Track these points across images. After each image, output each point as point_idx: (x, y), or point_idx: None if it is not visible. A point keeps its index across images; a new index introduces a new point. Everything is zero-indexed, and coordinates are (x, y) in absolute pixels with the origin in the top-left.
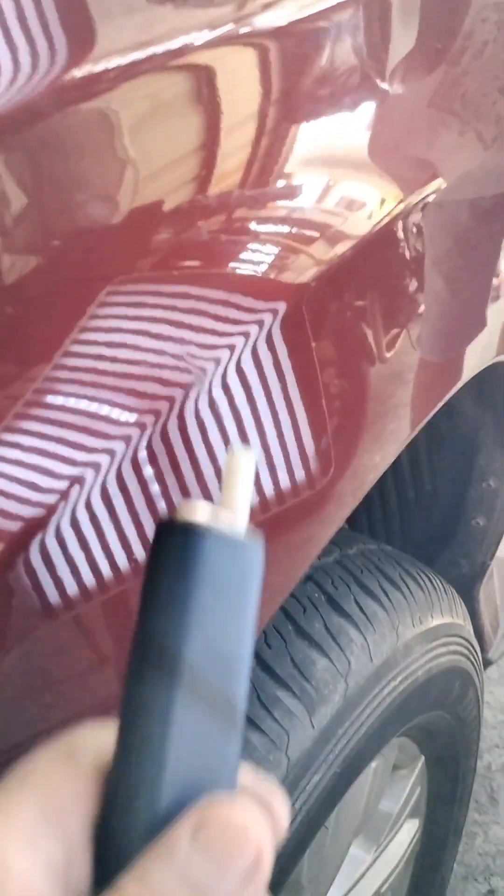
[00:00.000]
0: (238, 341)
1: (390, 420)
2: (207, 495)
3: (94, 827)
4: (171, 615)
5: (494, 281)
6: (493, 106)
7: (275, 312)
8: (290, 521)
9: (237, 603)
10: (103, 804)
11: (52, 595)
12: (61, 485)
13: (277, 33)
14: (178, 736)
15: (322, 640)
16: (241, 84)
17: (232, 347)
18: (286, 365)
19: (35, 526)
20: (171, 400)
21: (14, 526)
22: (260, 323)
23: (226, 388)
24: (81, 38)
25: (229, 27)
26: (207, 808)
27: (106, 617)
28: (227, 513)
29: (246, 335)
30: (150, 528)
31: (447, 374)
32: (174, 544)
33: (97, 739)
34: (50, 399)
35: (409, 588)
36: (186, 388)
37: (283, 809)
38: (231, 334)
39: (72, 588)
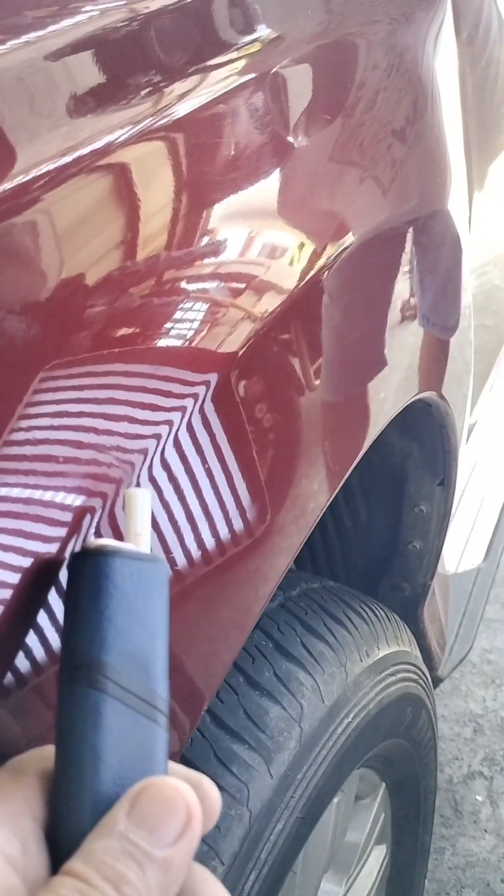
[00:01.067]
0: (175, 417)
1: (320, 464)
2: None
3: (46, 825)
4: (89, 628)
5: (396, 322)
6: (388, 150)
7: (207, 384)
8: (240, 559)
9: (147, 612)
10: (51, 804)
11: None
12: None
13: (191, 118)
14: (108, 735)
15: (273, 687)
16: (163, 169)
17: (170, 423)
18: (218, 432)
19: None
20: (103, 496)
21: None
22: (194, 397)
23: (164, 464)
24: (9, 154)
25: (148, 121)
26: (140, 787)
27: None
28: (131, 540)
29: (182, 410)
30: None
31: (368, 416)
32: (86, 566)
33: (39, 755)
34: None
35: (353, 623)
36: (118, 481)
37: (212, 789)
38: (168, 410)
39: None
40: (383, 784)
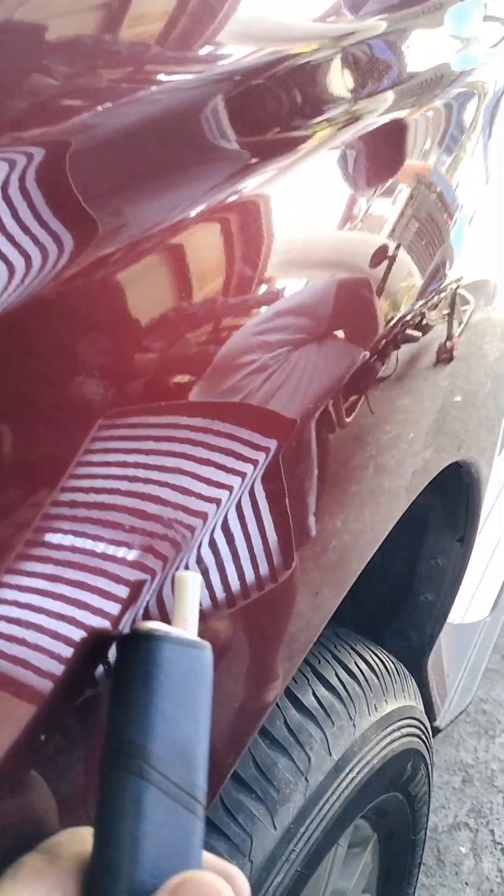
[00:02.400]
0: (236, 482)
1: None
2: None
3: None
4: (136, 715)
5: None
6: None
7: (268, 451)
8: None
9: (193, 700)
10: (87, 890)
11: None
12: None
13: (259, 197)
14: (149, 824)
15: (283, 738)
16: (228, 246)
17: (231, 489)
18: (263, 503)
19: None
20: (164, 559)
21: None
22: (255, 463)
23: (224, 531)
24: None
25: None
26: (180, 877)
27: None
28: (179, 624)
29: (243, 476)
30: None
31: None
32: (135, 650)
33: (75, 838)
34: (47, 543)
35: (364, 676)
36: (179, 547)
37: (242, 881)
38: (233, 474)
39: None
40: (375, 835)
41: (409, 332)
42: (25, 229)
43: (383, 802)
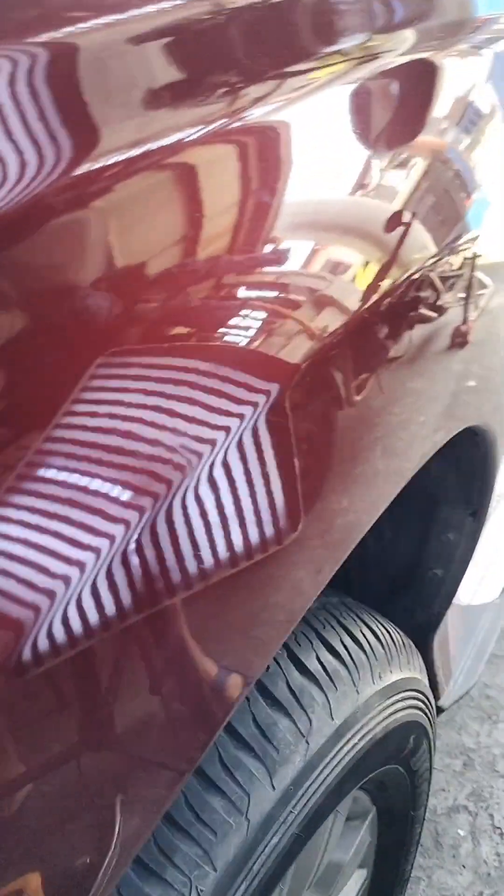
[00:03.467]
0: (233, 424)
1: (363, 488)
2: (188, 581)
3: None
4: None
5: (444, 347)
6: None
7: (269, 394)
8: (276, 570)
9: None
10: None
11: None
12: (51, 583)
13: (264, 124)
14: None
15: (285, 699)
16: (229, 173)
17: (227, 430)
18: (267, 445)
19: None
20: (155, 495)
21: None
22: (255, 405)
23: (211, 478)
24: (82, 141)
25: (221, 122)
26: None
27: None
28: None
29: (241, 417)
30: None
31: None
32: None
33: None
34: (40, 478)
35: (370, 644)
36: (172, 482)
37: None
38: (230, 415)
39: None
40: (374, 808)
41: (421, 310)
42: (28, 130)
43: (383, 774)
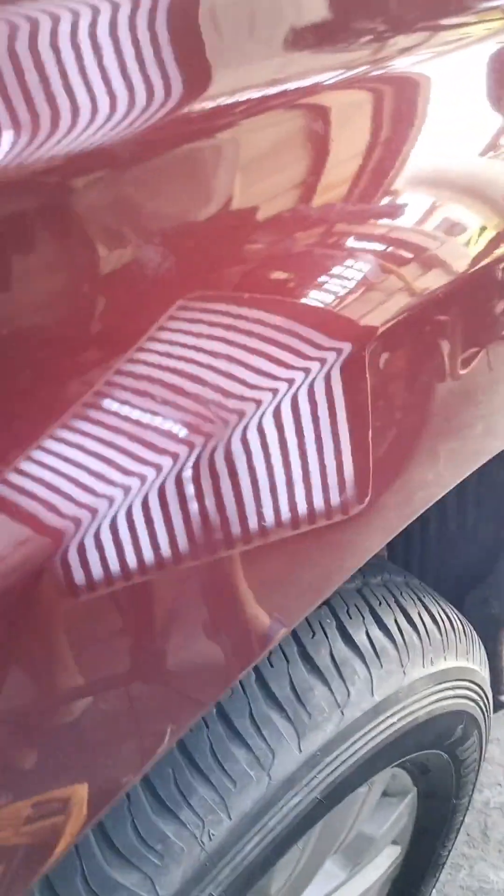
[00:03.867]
0: (297, 376)
1: (440, 459)
2: (243, 513)
3: None
4: None
5: None
6: None
7: (339, 352)
8: (335, 526)
9: None
10: None
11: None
12: (107, 490)
13: (407, 76)
14: None
15: (325, 667)
16: (364, 121)
17: (291, 381)
18: (340, 401)
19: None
20: (223, 423)
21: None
22: (322, 361)
23: (275, 419)
24: (219, 75)
25: (363, 69)
26: None
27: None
28: None
29: (306, 371)
30: (182, 541)
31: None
32: None
33: None
34: (108, 401)
35: (425, 628)
36: (238, 415)
37: None
38: (292, 368)
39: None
40: (415, 789)
41: None
42: (168, 57)
43: (425, 758)
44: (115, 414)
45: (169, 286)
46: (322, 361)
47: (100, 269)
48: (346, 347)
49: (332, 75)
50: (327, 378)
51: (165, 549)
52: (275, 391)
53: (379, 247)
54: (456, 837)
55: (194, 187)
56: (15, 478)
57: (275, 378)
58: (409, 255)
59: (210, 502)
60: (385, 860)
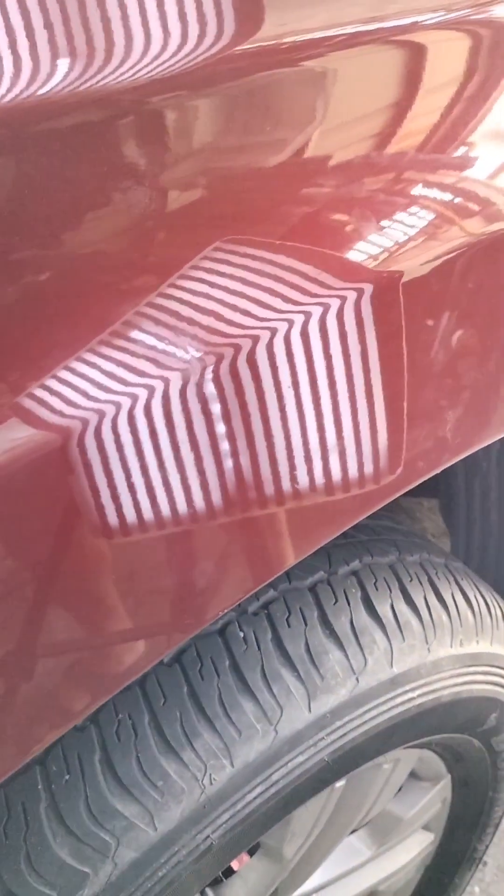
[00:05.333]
0: (314, 310)
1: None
2: (251, 435)
3: None
4: None
5: None
6: None
7: (361, 291)
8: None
9: None
10: None
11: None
12: (123, 389)
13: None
14: None
15: (343, 633)
16: (456, 65)
17: (307, 314)
18: (364, 336)
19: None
20: (236, 347)
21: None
22: (342, 298)
23: (284, 347)
24: (311, 8)
25: (464, 12)
26: None
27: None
28: None
29: (324, 306)
30: (189, 455)
31: None
32: None
33: None
34: (145, 311)
35: (457, 607)
36: (237, 347)
37: None
38: (303, 304)
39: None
40: (448, 776)
41: None
42: None
43: (456, 743)
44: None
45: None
46: (342, 297)
47: (166, 194)
48: (367, 287)
49: (431, 16)
50: (342, 312)
51: (183, 460)
52: (289, 321)
53: (443, 195)
54: (494, 833)
55: (269, 119)
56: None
57: (286, 311)
58: (470, 205)
59: (234, 419)
60: (416, 845)
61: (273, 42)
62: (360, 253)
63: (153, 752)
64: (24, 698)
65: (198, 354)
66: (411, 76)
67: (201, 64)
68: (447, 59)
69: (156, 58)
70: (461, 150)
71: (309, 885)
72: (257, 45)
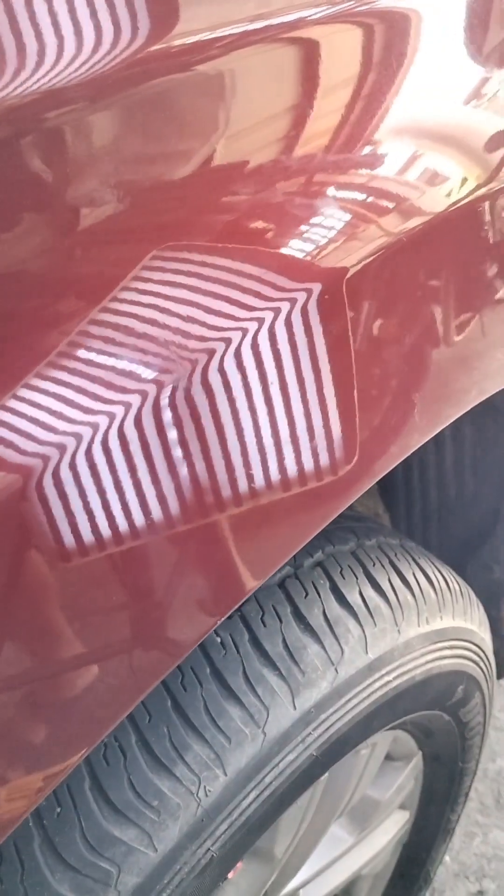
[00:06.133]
0: (266, 316)
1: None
2: (208, 454)
3: None
4: None
5: None
6: None
7: (309, 292)
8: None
9: None
10: None
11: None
12: (73, 429)
13: (393, 13)
14: None
15: (318, 626)
16: (348, 60)
17: (260, 321)
18: (316, 341)
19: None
20: (191, 362)
21: (24, 459)
22: (291, 301)
23: (246, 356)
24: (199, 10)
25: (348, 4)
26: None
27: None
28: None
29: (276, 311)
30: (149, 484)
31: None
32: None
33: None
34: (78, 346)
35: (420, 587)
36: (193, 363)
37: None
38: (260, 309)
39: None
40: (420, 753)
41: None
42: None
43: (427, 720)
44: (88, 359)
45: (141, 232)
46: (292, 301)
47: (75, 214)
48: (316, 287)
49: (315, 11)
50: (302, 313)
51: (147, 488)
52: (243, 330)
53: (356, 195)
54: (465, 803)
55: (172, 121)
56: None
57: (240, 319)
58: (385, 202)
59: (191, 441)
60: (393, 825)
61: (164, 46)
62: (298, 252)
63: (144, 772)
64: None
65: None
66: (308, 74)
67: (90, 77)
68: (341, 53)
69: (49, 71)
70: (369, 149)
71: (296, 881)
72: (146, 52)
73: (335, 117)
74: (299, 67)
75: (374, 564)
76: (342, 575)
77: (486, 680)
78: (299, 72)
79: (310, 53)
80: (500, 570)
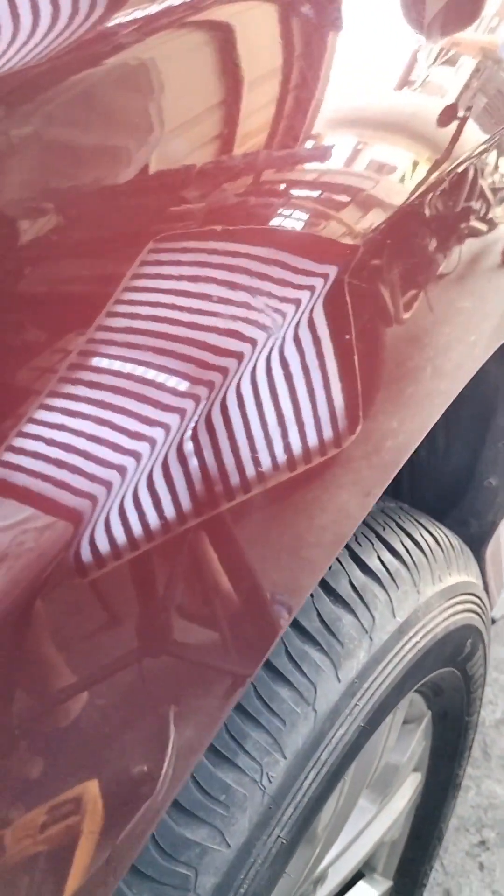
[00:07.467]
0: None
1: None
2: (243, 474)
3: None
4: None
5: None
6: None
7: (326, 277)
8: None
9: None
10: None
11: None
12: (118, 459)
13: None
14: None
15: (348, 596)
16: (265, 38)
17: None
18: (326, 335)
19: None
20: (224, 371)
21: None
22: (311, 289)
23: (272, 363)
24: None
25: None
26: None
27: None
28: None
29: (297, 303)
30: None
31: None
32: None
33: None
34: (94, 366)
35: (429, 547)
36: (225, 371)
37: None
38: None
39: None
40: (429, 713)
41: (472, 223)
42: None
43: (440, 677)
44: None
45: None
46: (311, 289)
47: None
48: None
49: None
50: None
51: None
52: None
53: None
54: (468, 757)
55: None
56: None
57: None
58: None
59: (213, 461)
60: (409, 789)
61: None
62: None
63: (207, 767)
64: None
65: None
66: (225, 59)
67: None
68: (258, 34)
69: None
70: (312, 144)
71: (327, 859)
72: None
73: (269, 110)
74: (205, 54)
75: (384, 529)
76: (358, 542)
77: (486, 630)
78: (220, 57)
79: (219, 39)
80: (476, 523)
